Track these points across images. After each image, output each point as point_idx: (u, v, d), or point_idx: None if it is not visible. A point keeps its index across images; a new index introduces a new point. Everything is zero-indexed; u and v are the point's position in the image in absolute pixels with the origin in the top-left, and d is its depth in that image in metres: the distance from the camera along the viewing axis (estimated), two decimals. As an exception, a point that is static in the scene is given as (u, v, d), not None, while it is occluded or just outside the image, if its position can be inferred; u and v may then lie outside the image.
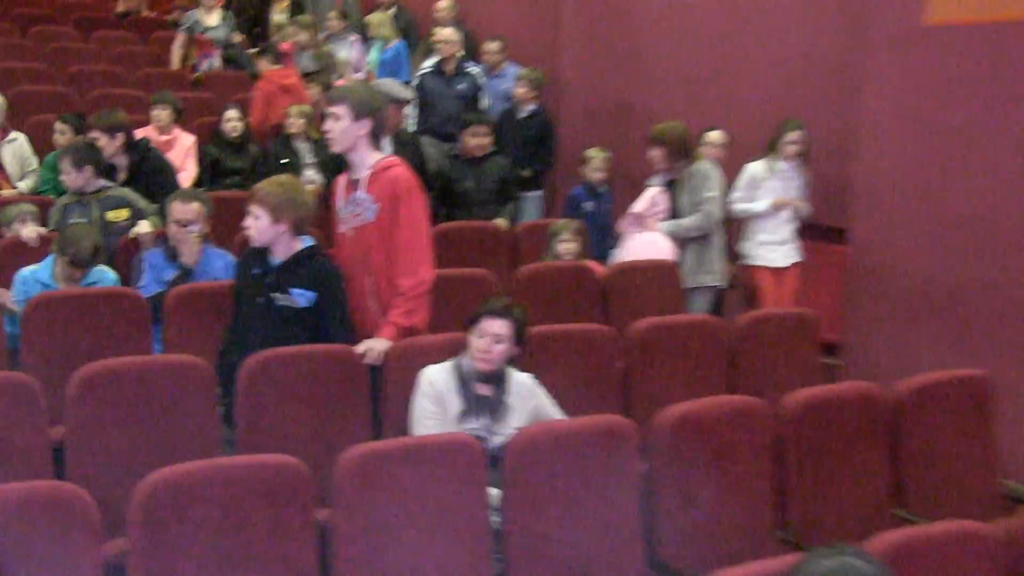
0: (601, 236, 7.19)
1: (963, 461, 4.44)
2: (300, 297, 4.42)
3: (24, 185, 7.42)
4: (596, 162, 7.44)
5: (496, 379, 4.14)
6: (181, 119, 8.10)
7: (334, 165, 6.08)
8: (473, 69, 8.98)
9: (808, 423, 4.10)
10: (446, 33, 8.96)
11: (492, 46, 9.24)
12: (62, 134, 7.37)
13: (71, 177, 6.07)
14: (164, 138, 7.91)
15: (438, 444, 3.66)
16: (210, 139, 8.21)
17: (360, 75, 9.91)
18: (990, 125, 6.06)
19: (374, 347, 4.50)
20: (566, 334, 4.88)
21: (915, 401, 4.35)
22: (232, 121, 8.06)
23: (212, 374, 4.27)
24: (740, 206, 6.89)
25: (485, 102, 8.81)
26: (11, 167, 7.51)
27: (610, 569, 3.75)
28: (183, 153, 8.00)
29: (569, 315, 5.50)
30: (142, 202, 6.21)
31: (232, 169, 8.02)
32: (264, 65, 9.31)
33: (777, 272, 6.92)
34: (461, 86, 8.81)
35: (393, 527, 3.47)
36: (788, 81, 7.53)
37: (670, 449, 3.85)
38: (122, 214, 6.02)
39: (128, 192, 6.28)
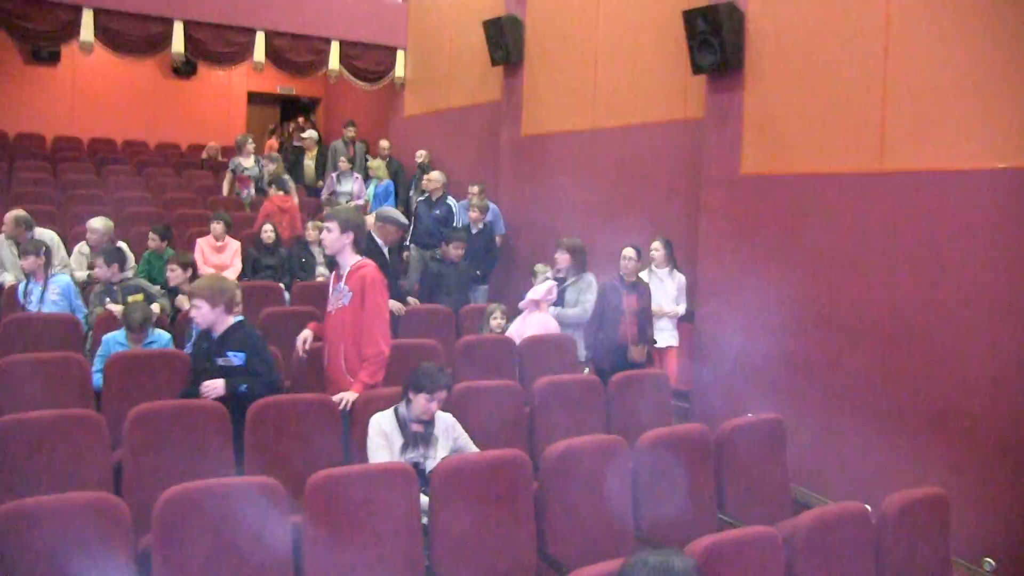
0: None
1: (766, 478, 4.31)
2: (234, 358, 4.28)
3: (121, 275, 7.26)
4: (542, 276, 6.85)
5: (429, 420, 3.98)
6: (231, 230, 7.92)
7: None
8: (450, 200, 8.91)
9: (655, 454, 3.95)
10: (434, 175, 8.98)
11: (474, 189, 8.94)
12: (152, 240, 7.35)
13: (103, 271, 6.06)
14: (219, 243, 7.78)
15: (382, 470, 3.48)
16: (252, 244, 8.07)
17: (360, 202, 9.79)
18: (786, 244, 6.06)
19: (346, 397, 4.35)
20: (489, 388, 4.70)
21: (731, 437, 4.22)
22: (267, 232, 8.00)
23: (228, 415, 4.07)
24: None
25: (458, 223, 8.69)
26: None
27: (511, 561, 3.55)
28: (232, 254, 7.84)
29: (493, 373, 5.34)
30: (153, 288, 6.22)
31: (267, 265, 7.93)
32: (272, 191, 9.18)
33: (659, 351, 6.75)
34: (438, 211, 8.76)
35: (349, 530, 3.28)
36: (655, 209, 7.48)
37: (554, 473, 3.70)
38: (139, 297, 5.93)
39: (142, 281, 6.32)
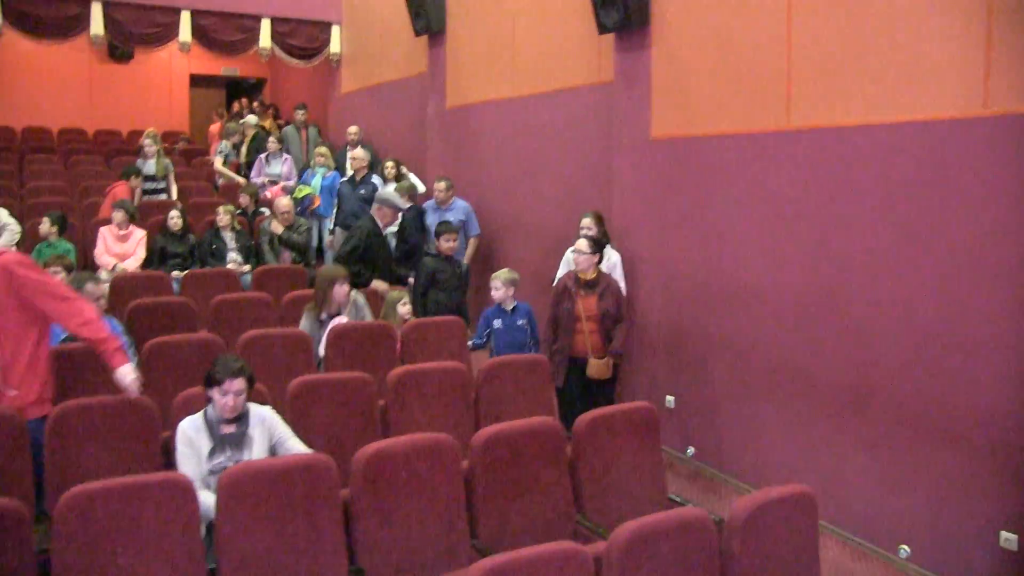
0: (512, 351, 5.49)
1: (633, 475, 3.82)
2: None
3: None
4: (497, 282, 5.64)
5: (238, 418, 3.53)
6: (135, 219, 7.50)
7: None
8: (376, 179, 8.33)
9: (493, 454, 3.48)
10: (358, 152, 8.37)
11: (440, 184, 7.65)
12: (43, 224, 7.17)
13: None
14: (122, 232, 7.40)
15: (154, 483, 3.01)
16: (159, 231, 7.63)
17: (290, 183, 9.29)
18: (698, 210, 5.62)
19: (123, 378, 3.69)
20: (333, 381, 4.18)
21: (588, 431, 3.74)
22: (174, 218, 7.57)
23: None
24: None
25: None
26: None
27: (315, 577, 3.11)
28: (136, 242, 7.47)
29: (372, 363, 4.86)
30: None
31: (175, 253, 7.51)
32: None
33: None
34: (363, 191, 8.18)
35: (109, 550, 2.85)
36: (573, 177, 6.99)
37: (366, 479, 3.23)
38: None
39: None
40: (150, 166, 8.95)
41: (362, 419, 4.14)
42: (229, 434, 3.49)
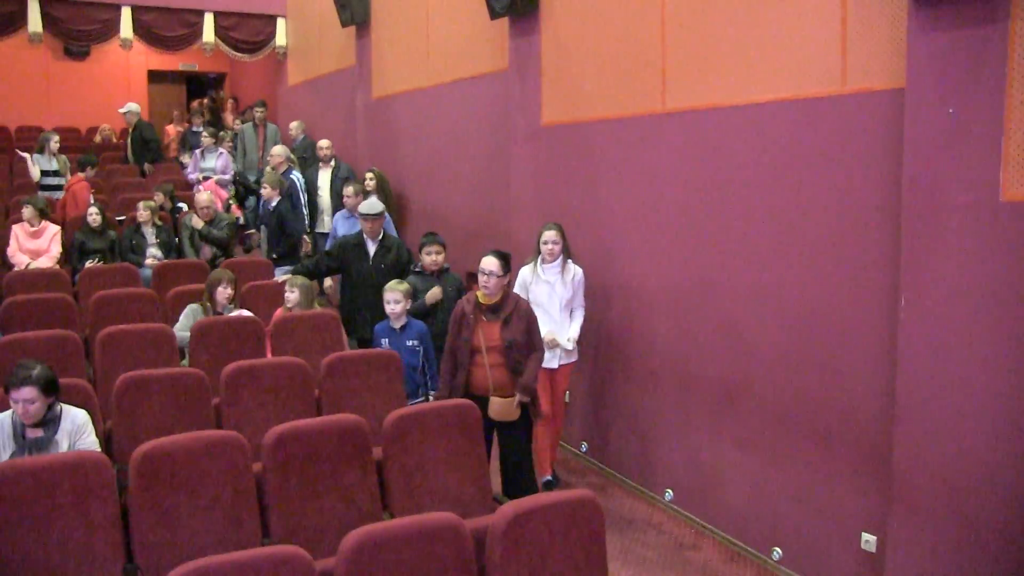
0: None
1: (452, 475, 3.71)
2: None
3: None
4: (397, 294, 4.88)
5: (47, 422, 3.48)
6: (47, 215, 7.48)
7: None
8: (294, 175, 8.19)
9: (287, 452, 3.40)
10: (276, 150, 8.25)
11: (369, 177, 7.38)
12: None
13: None
14: (34, 228, 7.35)
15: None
16: (78, 227, 7.59)
17: (226, 177, 9.25)
18: (585, 198, 5.55)
19: None
20: (158, 377, 4.12)
21: (397, 430, 3.63)
22: (93, 214, 7.51)
23: None
24: None
25: (303, 199, 7.88)
26: None
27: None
28: (49, 238, 7.43)
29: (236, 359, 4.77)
30: None
31: (95, 249, 7.45)
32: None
33: (549, 371, 5.08)
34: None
35: None
36: (481, 168, 6.92)
37: (142, 477, 3.17)
38: None
39: None
40: (54, 163, 8.93)
41: (194, 418, 4.08)
42: (35, 439, 3.45)
